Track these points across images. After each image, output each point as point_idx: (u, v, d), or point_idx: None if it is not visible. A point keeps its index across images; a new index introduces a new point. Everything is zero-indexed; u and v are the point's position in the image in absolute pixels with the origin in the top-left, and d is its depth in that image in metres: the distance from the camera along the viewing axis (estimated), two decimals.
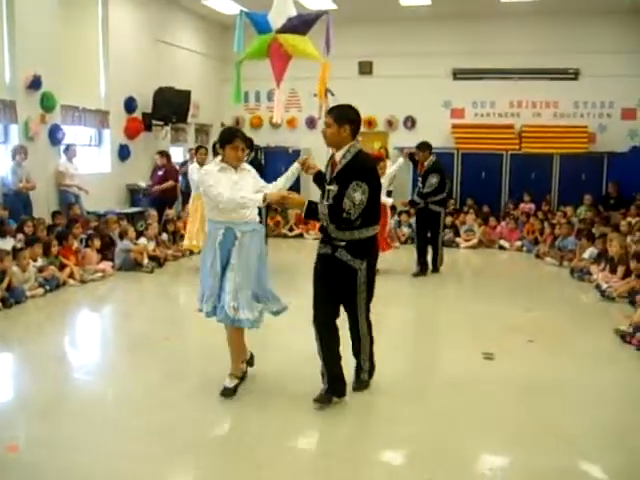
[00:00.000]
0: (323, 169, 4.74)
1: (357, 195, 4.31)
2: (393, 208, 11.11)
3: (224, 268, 4.69)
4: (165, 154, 12.11)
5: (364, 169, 4.44)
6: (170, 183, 11.78)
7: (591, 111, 14.18)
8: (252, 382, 5.02)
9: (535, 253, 11.46)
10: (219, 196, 4.57)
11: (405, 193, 12.55)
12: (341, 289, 4.56)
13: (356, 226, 4.40)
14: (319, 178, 4.79)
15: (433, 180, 9.36)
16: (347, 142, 4.49)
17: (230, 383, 4.82)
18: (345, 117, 4.50)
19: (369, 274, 4.56)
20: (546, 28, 13.79)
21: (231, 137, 4.79)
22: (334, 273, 4.53)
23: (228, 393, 4.77)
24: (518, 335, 6.45)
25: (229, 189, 4.62)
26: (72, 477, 3.65)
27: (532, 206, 13.56)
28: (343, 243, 4.45)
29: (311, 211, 4.47)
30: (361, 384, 4.90)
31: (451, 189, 13.90)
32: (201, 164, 8.91)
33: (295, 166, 5.06)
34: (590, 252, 9.83)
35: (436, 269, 9.78)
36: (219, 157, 4.84)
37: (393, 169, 9.55)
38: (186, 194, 12.84)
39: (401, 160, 9.95)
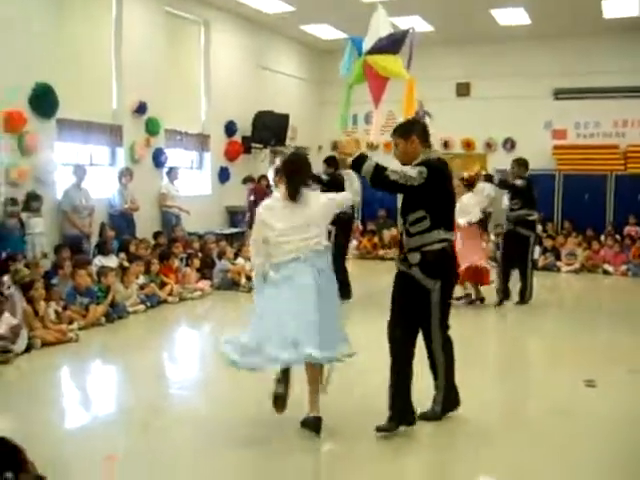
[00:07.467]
0: None
1: (409, 169, 4.27)
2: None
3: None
4: (249, 179, 12.45)
5: (426, 162, 4.31)
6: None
7: None
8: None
9: None
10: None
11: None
12: (415, 308, 4.43)
13: (424, 228, 4.30)
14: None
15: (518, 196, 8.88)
16: (419, 152, 4.41)
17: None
18: (409, 130, 4.47)
19: (443, 295, 4.40)
20: None
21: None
22: (408, 292, 4.44)
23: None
24: (620, 364, 6.14)
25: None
26: None
27: (638, 229, 12.99)
28: (417, 260, 4.33)
29: (360, 161, 4.28)
30: (427, 414, 4.60)
31: (550, 212, 13.57)
32: None
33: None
34: None
35: (523, 301, 8.93)
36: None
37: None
38: None
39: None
